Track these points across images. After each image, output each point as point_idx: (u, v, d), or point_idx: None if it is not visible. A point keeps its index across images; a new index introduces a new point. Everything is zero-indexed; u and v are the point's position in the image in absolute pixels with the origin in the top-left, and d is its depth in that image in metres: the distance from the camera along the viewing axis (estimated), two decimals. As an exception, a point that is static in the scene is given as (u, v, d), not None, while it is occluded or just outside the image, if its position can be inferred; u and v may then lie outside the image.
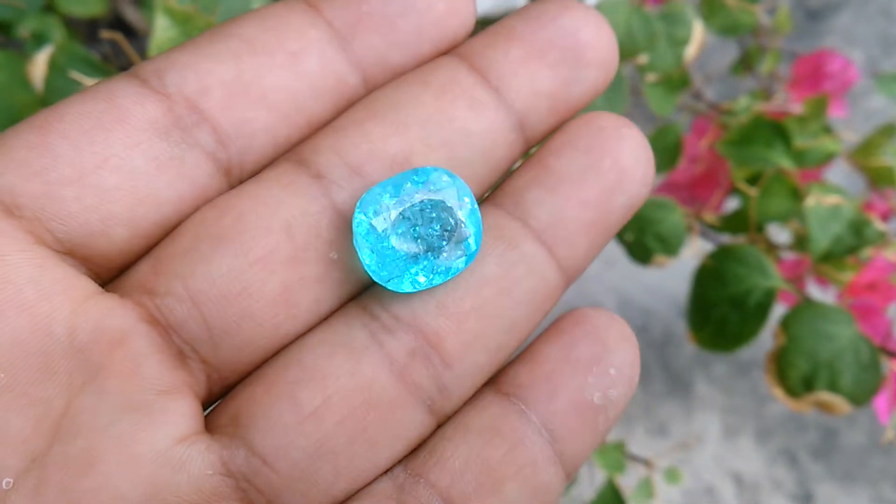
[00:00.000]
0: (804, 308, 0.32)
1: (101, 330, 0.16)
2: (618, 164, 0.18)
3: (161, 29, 0.25)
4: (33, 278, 0.15)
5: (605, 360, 0.18)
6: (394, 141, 0.17)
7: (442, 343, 0.17)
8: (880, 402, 0.32)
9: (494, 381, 0.18)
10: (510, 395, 0.17)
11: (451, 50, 0.19)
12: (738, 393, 0.61)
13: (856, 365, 0.31)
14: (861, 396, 0.31)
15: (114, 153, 0.16)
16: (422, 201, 0.17)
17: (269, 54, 0.17)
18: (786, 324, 0.32)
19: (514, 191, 0.18)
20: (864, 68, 0.73)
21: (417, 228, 0.17)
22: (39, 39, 0.39)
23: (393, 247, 0.17)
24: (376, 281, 0.17)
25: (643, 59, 0.38)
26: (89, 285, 0.16)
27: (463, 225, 0.17)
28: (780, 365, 0.31)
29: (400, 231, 0.17)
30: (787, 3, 0.72)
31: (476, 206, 0.17)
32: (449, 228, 0.17)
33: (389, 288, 0.17)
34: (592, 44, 0.18)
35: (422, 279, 0.17)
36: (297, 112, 0.17)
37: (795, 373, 0.31)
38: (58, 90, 0.28)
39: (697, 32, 0.40)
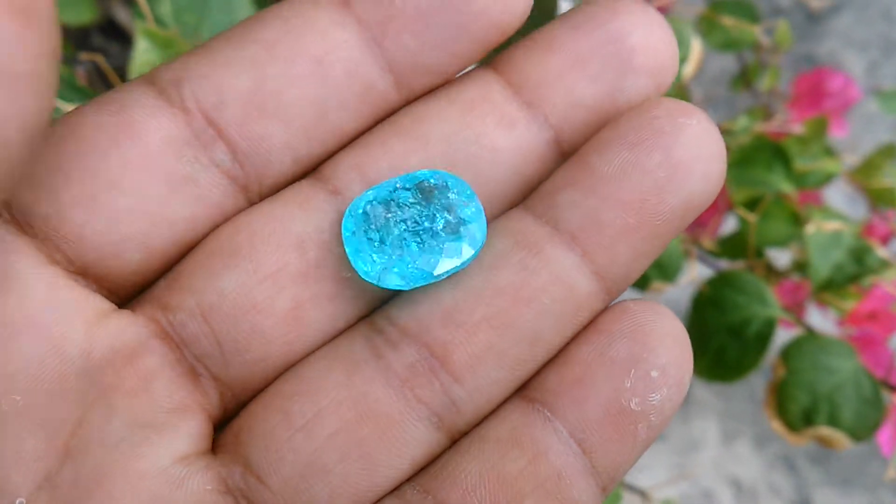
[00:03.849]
0: (804, 340, 0.31)
1: (114, 349, 0.16)
2: (669, 160, 0.16)
3: (141, 52, 0.25)
4: (48, 299, 0.15)
5: (646, 362, 0.16)
6: (415, 156, 0.17)
7: (449, 356, 0.16)
8: (883, 436, 0.31)
9: (523, 386, 0.17)
10: (536, 400, 0.16)
11: (498, 45, 0.17)
12: (736, 398, 0.61)
13: (857, 399, 0.30)
14: (862, 432, 0.30)
15: (126, 173, 0.16)
16: (412, 194, 0.16)
17: (291, 61, 0.16)
18: (786, 356, 0.31)
19: (548, 193, 0.17)
20: (865, 71, 0.72)
21: (406, 221, 0.16)
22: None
23: (380, 241, 0.16)
24: (364, 278, 0.16)
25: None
26: (103, 304, 0.16)
27: (460, 215, 0.16)
28: (780, 398, 0.30)
29: (386, 225, 0.16)
30: (787, 17, 0.72)
31: (477, 199, 0.16)
32: (443, 219, 0.16)
33: (381, 286, 0.16)
34: (643, 48, 0.17)
35: (414, 272, 0.16)
36: (319, 125, 0.17)
37: (795, 406, 0.30)
38: (36, 112, 0.27)
39: (695, 50, 0.40)
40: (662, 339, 0.16)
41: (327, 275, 0.16)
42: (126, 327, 0.16)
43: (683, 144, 0.16)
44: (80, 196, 0.16)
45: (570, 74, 0.17)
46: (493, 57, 0.18)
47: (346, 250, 0.16)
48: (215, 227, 0.17)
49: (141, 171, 0.16)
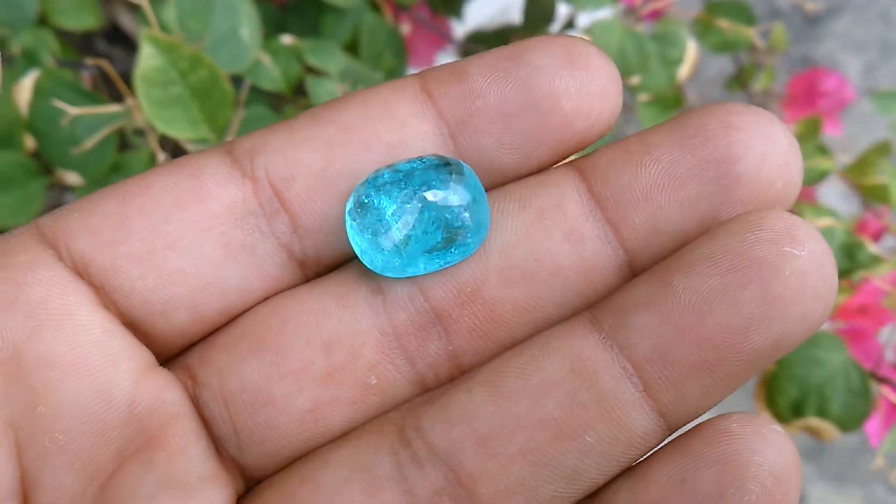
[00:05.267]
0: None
1: (160, 403, 0.16)
2: (765, 296, 0.14)
3: (146, 57, 0.25)
4: (101, 343, 0.16)
5: (732, 498, 0.14)
6: (467, 268, 0.16)
7: (476, 486, 0.15)
8: (871, 426, 0.32)
9: (595, 495, 0.15)
10: None
11: (576, 152, 0.17)
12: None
13: (846, 391, 0.30)
14: (850, 422, 0.30)
15: (185, 235, 0.16)
16: (420, 206, 0.16)
17: (365, 145, 0.16)
18: (775, 349, 0.31)
19: (620, 309, 0.15)
20: (862, 73, 0.73)
21: (413, 230, 0.16)
22: (30, 57, 0.39)
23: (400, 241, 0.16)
24: (369, 268, 0.16)
25: (635, 80, 0.38)
26: (149, 356, 0.16)
27: (464, 224, 0.16)
28: (769, 390, 0.31)
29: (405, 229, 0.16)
30: (785, 18, 0.72)
31: (481, 193, 0.16)
32: (450, 231, 0.16)
33: (386, 275, 0.16)
34: (752, 177, 0.15)
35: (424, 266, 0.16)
36: None
37: (784, 399, 0.31)
38: (43, 115, 0.28)
39: (691, 52, 0.40)
40: (758, 471, 0.14)
41: (350, 380, 0.16)
42: (170, 384, 0.16)
43: (786, 278, 0.14)
44: (136, 251, 0.16)
45: (658, 195, 0.16)
46: (581, 156, 0.17)
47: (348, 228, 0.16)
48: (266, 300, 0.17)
49: (200, 234, 0.16)
